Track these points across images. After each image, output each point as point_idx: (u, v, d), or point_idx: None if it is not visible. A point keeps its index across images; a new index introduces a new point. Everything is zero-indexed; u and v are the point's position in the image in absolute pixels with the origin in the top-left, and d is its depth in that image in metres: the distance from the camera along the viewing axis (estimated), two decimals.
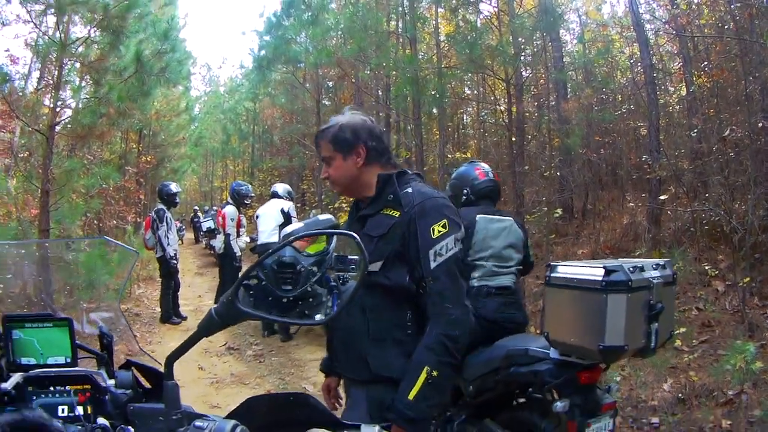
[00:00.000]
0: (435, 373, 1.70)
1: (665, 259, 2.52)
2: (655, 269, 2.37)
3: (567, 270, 2.47)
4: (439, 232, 1.79)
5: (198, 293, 11.01)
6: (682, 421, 3.74)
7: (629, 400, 4.22)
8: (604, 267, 2.26)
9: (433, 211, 1.82)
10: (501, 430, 2.94)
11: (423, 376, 1.70)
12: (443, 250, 1.79)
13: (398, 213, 1.87)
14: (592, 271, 2.31)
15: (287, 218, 7.04)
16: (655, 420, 3.85)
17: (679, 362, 4.72)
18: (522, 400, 2.96)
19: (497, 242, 3.21)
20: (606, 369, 2.62)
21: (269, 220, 7.09)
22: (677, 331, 4.79)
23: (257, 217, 7.41)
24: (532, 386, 2.80)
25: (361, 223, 1.98)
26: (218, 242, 8.30)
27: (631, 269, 2.24)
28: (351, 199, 2.17)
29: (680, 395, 4.12)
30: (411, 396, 1.70)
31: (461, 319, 1.77)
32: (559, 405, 2.44)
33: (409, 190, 1.91)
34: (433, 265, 1.78)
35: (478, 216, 3.21)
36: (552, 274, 2.52)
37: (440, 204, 1.85)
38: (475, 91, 15.17)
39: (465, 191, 3.39)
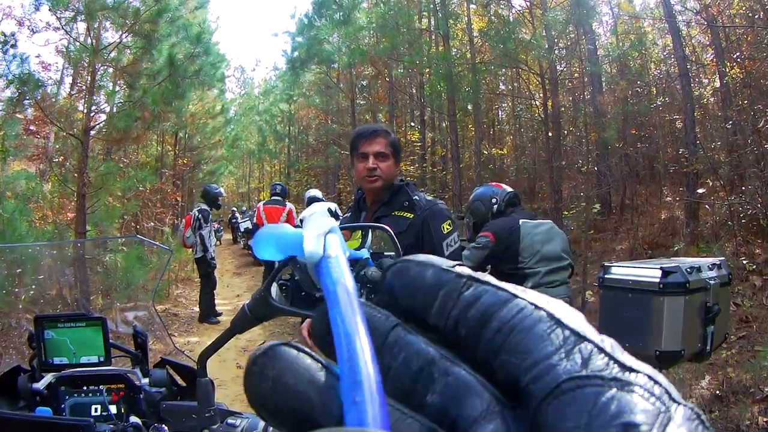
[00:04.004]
0: None
1: (720, 258, 2.44)
2: (711, 269, 2.30)
3: (622, 271, 2.40)
4: (447, 228, 2.27)
5: (236, 293, 11.09)
6: (720, 418, 3.70)
7: None
8: (661, 268, 2.20)
9: (440, 213, 2.28)
10: None
11: None
12: (452, 241, 2.27)
13: (412, 215, 2.29)
14: (648, 272, 2.25)
15: (335, 217, 6.96)
16: None
17: (717, 359, 4.59)
18: None
19: (548, 246, 3.07)
20: None
21: None
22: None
23: (302, 220, 7.37)
24: None
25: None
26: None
27: (688, 270, 2.18)
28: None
29: (718, 392, 4.07)
30: None
31: None
32: None
33: (416, 197, 2.33)
34: (447, 252, 2.23)
35: (520, 221, 3.12)
36: (606, 276, 2.44)
37: (443, 208, 2.34)
38: (510, 87, 14.99)
39: (494, 201, 3.34)
